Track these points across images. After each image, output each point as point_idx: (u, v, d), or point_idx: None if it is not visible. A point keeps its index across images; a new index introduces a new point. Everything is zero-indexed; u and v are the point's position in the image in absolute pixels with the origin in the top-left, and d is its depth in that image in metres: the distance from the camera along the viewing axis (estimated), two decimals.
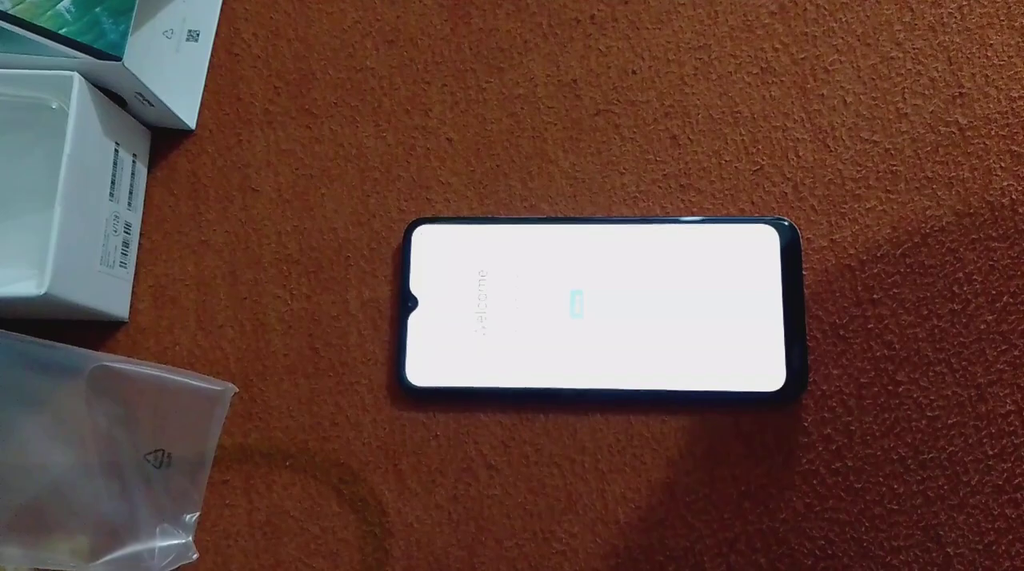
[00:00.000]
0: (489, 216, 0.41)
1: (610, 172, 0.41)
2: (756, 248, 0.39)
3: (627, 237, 0.40)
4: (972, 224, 0.40)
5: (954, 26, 0.42)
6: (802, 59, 0.42)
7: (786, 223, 0.39)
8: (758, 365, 0.38)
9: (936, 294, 0.39)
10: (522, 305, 0.39)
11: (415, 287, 0.40)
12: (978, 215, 0.40)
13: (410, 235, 0.40)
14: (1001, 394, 0.38)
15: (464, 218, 0.41)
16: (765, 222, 0.39)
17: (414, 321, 0.39)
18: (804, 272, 0.39)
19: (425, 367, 0.39)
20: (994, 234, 0.39)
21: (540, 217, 0.41)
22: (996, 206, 0.40)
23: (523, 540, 0.38)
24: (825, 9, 0.42)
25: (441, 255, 0.40)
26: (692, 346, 0.38)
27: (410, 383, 0.39)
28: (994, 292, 0.39)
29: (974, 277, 0.39)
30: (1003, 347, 0.38)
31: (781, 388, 0.38)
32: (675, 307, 0.39)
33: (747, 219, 0.40)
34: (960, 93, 0.41)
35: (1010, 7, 0.41)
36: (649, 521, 0.38)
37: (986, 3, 0.42)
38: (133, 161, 0.41)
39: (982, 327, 0.39)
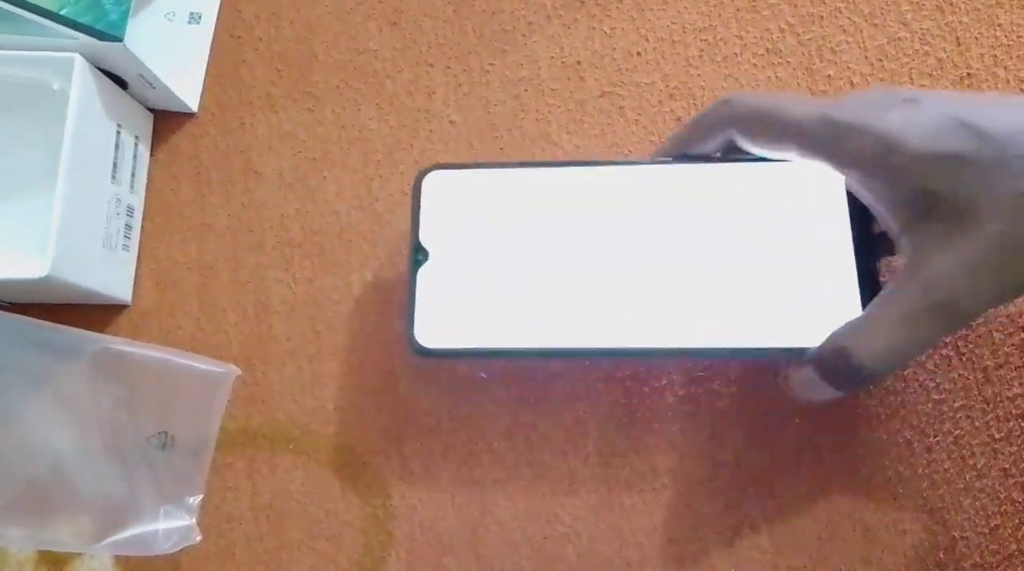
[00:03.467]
0: (510, 161, 0.38)
1: (614, 154, 0.41)
2: (817, 190, 0.34)
3: (667, 181, 0.35)
4: None
5: (962, 6, 0.41)
6: (808, 40, 0.41)
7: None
8: (829, 318, 0.32)
9: None
10: (547, 258, 0.35)
11: (426, 238, 0.36)
12: None
13: (421, 182, 0.36)
14: (1008, 377, 0.38)
15: (482, 163, 0.38)
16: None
17: (425, 276, 0.35)
18: None
19: (437, 327, 0.35)
20: None
21: (568, 160, 0.38)
22: None
23: (526, 523, 0.38)
24: None
25: (455, 204, 0.36)
26: (746, 299, 0.33)
27: (419, 344, 0.35)
28: None
29: None
30: (1010, 330, 0.38)
31: None
32: (726, 257, 0.34)
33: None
34: (968, 74, 0.41)
35: None
36: (653, 504, 0.38)
37: None
38: (135, 143, 0.41)
39: (989, 310, 0.38)
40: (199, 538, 0.38)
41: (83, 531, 0.37)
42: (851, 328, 0.31)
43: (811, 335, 0.32)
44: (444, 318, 0.35)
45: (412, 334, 0.35)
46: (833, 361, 0.31)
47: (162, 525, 0.38)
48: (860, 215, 0.34)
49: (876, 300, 0.31)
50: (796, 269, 0.34)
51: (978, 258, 0.28)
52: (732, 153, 0.34)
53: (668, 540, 0.38)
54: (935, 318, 0.29)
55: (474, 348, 0.35)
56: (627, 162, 0.36)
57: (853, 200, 0.34)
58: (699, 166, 0.35)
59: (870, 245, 0.34)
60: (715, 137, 0.34)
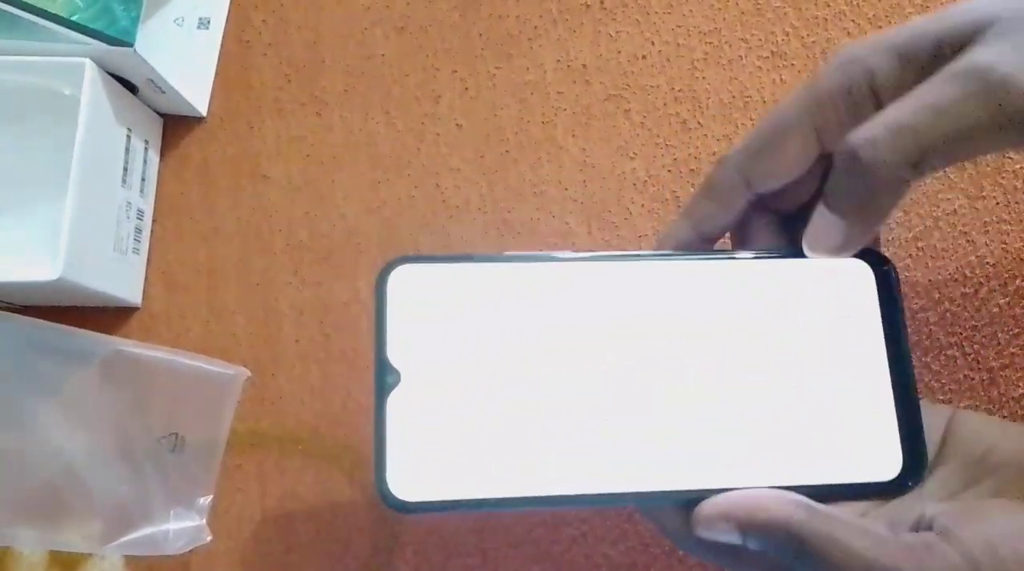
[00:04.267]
0: (494, 255, 0.30)
1: (620, 157, 0.41)
2: (845, 289, 0.30)
3: (682, 280, 0.30)
4: (984, 207, 0.39)
5: None
6: (812, 43, 0.42)
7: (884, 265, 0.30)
8: (861, 448, 0.28)
9: (948, 277, 0.39)
10: (549, 375, 0.28)
11: (396, 354, 0.28)
12: (991, 198, 0.40)
13: (385, 281, 0.29)
14: (1013, 377, 0.38)
15: (460, 256, 0.30)
16: (855, 256, 0.30)
17: (396, 403, 0.28)
18: None
19: (417, 473, 0.27)
20: (1006, 217, 0.39)
21: (565, 254, 0.30)
22: (1008, 189, 0.40)
23: (533, 525, 0.38)
24: None
25: (431, 308, 0.29)
26: (771, 426, 0.28)
27: (395, 498, 0.27)
28: (1006, 275, 0.39)
29: (986, 260, 0.39)
30: (1015, 330, 0.38)
31: (898, 475, 0.28)
32: (751, 379, 0.29)
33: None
34: None
35: None
36: None
37: None
38: (145, 148, 0.41)
39: (994, 310, 0.38)
40: (209, 539, 0.38)
41: (94, 532, 0.37)
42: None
43: (845, 469, 0.28)
44: (426, 459, 0.27)
45: (384, 484, 0.27)
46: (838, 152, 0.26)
47: (172, 526, 0.38)
48: (892, 319, 0.29)
49: None
50: (826, 389, 0.29)
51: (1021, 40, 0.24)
52: (750, 228, 0.31)
53: None
54: (965, 83, 0.24)
55: (468, 499, 0.27)
56: (633, 256, 0.30)
57: (887, 304, 0.30)
58: (713, 261, 0.30)
59: (904, 358, 0.29)
60: (733, 202, 0.29)
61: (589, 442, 0.28)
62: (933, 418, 0.29)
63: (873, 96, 0.26)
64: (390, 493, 0.27)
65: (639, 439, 0.28)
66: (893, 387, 0.29)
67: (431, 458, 0.27)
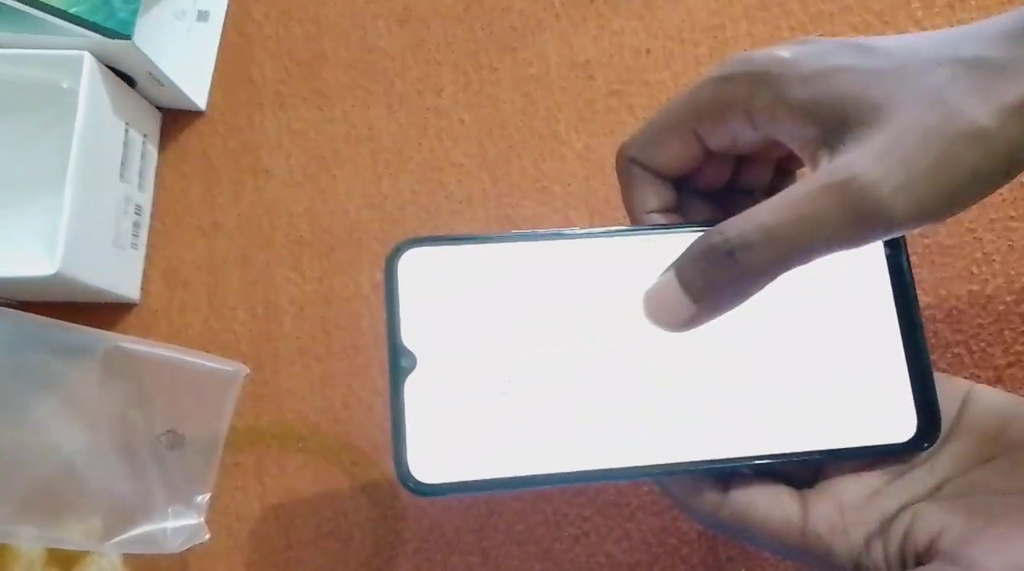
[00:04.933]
0: (508, 233, 0.30)
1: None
2: (856, 259, 0.30)
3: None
4: (991, 204, 0.39)
5: (973, 3, 0.41)
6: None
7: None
8: (877, 412, 0.29)
9: (954, 275, 0.39)
10: (568, 353, 0.28)
11: (411, 338, 0.28)
12: (997, 195, 0.39)
13: (395, 264, 0.28)
14: (1020, 375, 0.38)
15: (472, 237, 0.29)
16: None
17: (414, 387, 0.28)
18: None
19: (436, 456, 0.27)
20: (1013, 214, 0.39)
21: (572, 230, 0.30)
22: (1015, 186, 0.39)
23: (534, 523, 0.38)
24: None
25: (444, 289, 0.28)
26: (788, 393, 0.29)
27: (417, 481, 0.27)
28: (1013, 272, 0.38)
29: (993, 258, 0.39)
30: (1021, 328, 0.38)
31: (913, 437, 0.29)
32: (765, 345, 0.29)
33: None
34: None
35: None
36: (661, 504, 0.38)
37: None
38: (143, 142, 0.41)
39: (1000, 308, 0.38)
40: (208, 537, 0.38)
41: (93, 529, 0.37)
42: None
43: (861, 433, 0.29)
44: (445, 442, 0.27)
45: (405, 468, 0.27)
46: (704, 242, 0.26)
47: (171, 524, 0.38)
48: (903, 287, 0.30)
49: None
50: (840, 355, 0.29)
51: (886, 143, 0.24)
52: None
53: (679, 541, 0.37)
54: (830, 195, 0.24)
55: (490, 479, 0.27)
56: (647, 230, 0.30)
57: (897, 272, 0.30)
58: None
59: (916, 324, 0.30)
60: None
61: (606, 416, 0.28)
62: (950, 391, 0.29)
63: (747, 117, 0.28)
64: (411, 476, 0.27)
65: (657, 412, 0.28)
66: (906, 352, 0.29)
67: (451, 440, 0.27)
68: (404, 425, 0.27)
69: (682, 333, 0.27)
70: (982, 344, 0.38)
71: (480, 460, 0.27)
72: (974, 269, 0.39)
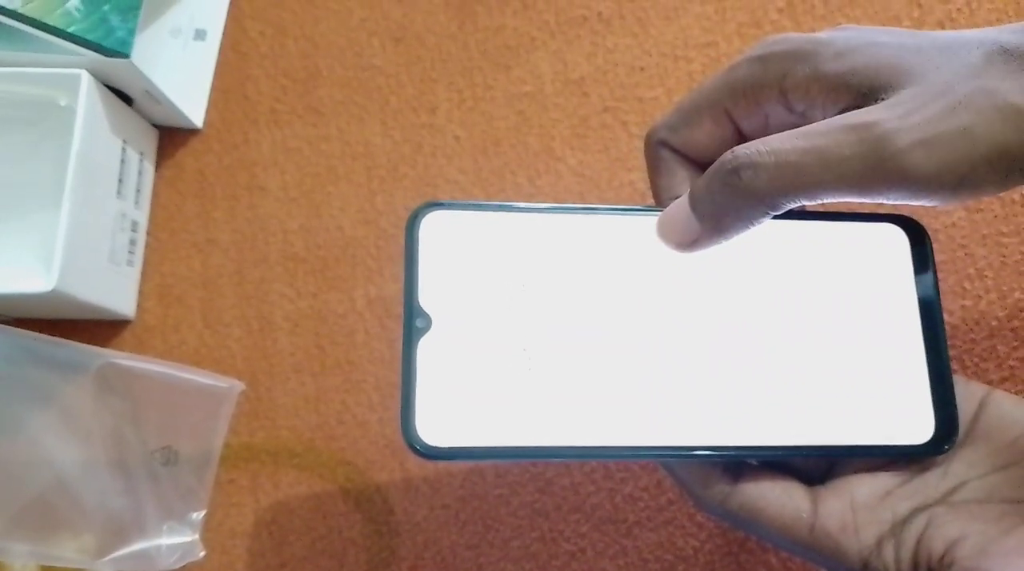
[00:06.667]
0: (530, 204, 0.30)
1: (618, 169, 0.41)
2: (880, 253, 0.30)
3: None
4: (983, 219, 0.39)
5: (963, 22, 0.41)
6: None
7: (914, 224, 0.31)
8: (895, 412, 0.29)
9: (947, 290, 0.39)
10: (586, 324, 0.28)
11: (427, 299, 0.28)
12: (988, 210, 0.39)
13: (416, 225, 0.29)
14: (1013, 390, 0.38)
15: (495, 204, 0.29)
16: (889, 221, 0.30)
17: (427, 349, 0.27)
18: None
19: (445, 419, 0.27)
20: (1005, 230, 0.39)
21: (595, 206, 0.30)
22: (1007, 201, 0.39)
23: (530, 540, 0.38)
24: (833, 4, 0.42)
25: (463, 253, 0.29)
26: (806, 386, 0.29)
27: (424, 443, 0.27)
28: (1005, 288, 0.39)
29: (985, 273, 0.39)
30: (1014, 343, 0.38)
31: (930, 439, 0.28)
32: (788, 336, 0.29)
33: (867, 216, 0.30)
34: None
35: (1019, 1, 0.41)
36: (658, 520, 0.38)
37: None
38: (140, 159, 0.41)
39: (993, 323, 0.38)
40: (202, 554, 0.38)
41: (86, 547, 0.37)
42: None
43: (878, 431, 0.28)
44: (455, 407, 0.27)
45: (412, 430, 0.27)
46: (717, 162, 0.26)
47: (165, 541, 0.37)
48: (926, 284, 0.30)
49: None
50: (861, 351, 0.29)
51: (916, 102, 0.24)
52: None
53: (676, 557, 0.37)
54: (849, 134, 0.24)
55: (498, 446, 0.27)
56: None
57: (920, 269, 0.30)
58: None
59: (937, 324, 0.30)
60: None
61: (619, 393, 0.28)
62: (968, 395, 0.29)
63: (781, 96, 0.27)
64: (418, 438, 0.26)
65: (670, 393, 0.28)
66: (926, 352, 0.29)
67: (460, 405, 0.27)
68: (414, 386, 0.27)
69: (692, 259, 0.28)
70: (975, 359, 0.38)
71: (488, 427, 0.27)
72: (966, 285, 0.39)
